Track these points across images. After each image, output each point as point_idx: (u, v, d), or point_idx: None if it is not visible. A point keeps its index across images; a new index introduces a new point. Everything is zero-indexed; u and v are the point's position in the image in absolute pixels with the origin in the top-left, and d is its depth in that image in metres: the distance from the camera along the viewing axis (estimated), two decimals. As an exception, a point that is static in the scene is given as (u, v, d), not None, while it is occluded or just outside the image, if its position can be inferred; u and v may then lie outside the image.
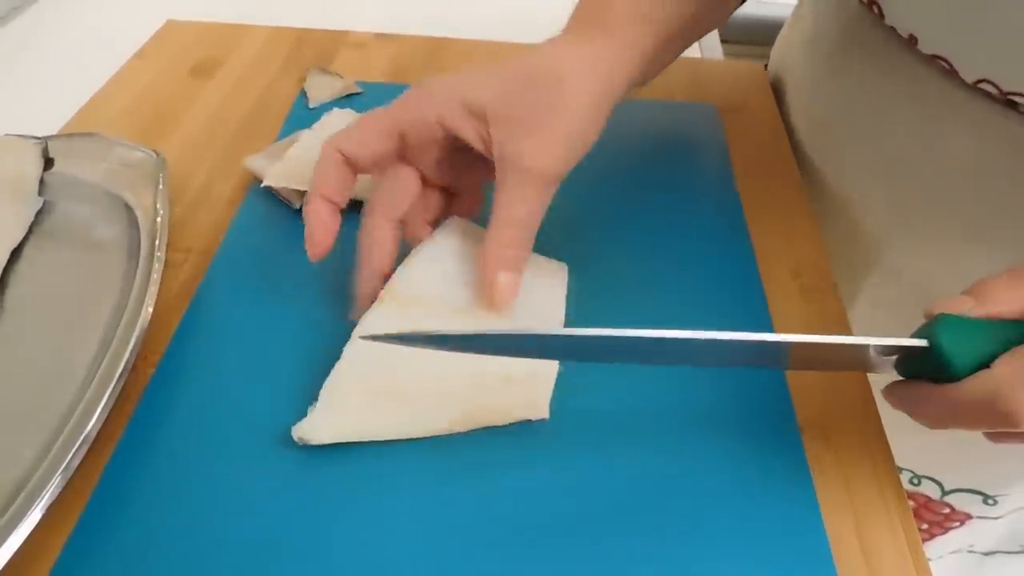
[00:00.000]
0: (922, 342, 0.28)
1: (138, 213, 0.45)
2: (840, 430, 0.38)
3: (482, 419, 0.36)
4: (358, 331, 0.37)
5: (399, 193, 0.39)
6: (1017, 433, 0.29)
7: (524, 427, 0.36)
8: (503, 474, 0.35)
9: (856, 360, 0.31)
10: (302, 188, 0.46)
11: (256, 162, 0.48)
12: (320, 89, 0.57)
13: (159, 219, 0.43)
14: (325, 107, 0.56)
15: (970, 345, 0.28)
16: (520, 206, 0.36)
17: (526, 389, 0.37)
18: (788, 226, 0.49)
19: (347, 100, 0.57)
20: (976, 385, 0.27)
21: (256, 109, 0.57)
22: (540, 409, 0.36)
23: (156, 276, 0.41)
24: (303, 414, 0.35)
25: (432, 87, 0.37)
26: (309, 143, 0.48)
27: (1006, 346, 0.28)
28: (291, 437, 0.34)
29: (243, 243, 0.46)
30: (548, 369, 0.37)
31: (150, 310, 0.39)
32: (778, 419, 0.38)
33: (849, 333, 0.42)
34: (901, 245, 0.48)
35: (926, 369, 0.29)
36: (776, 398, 0.39)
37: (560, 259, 0.43)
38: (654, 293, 0.44)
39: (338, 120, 0.50)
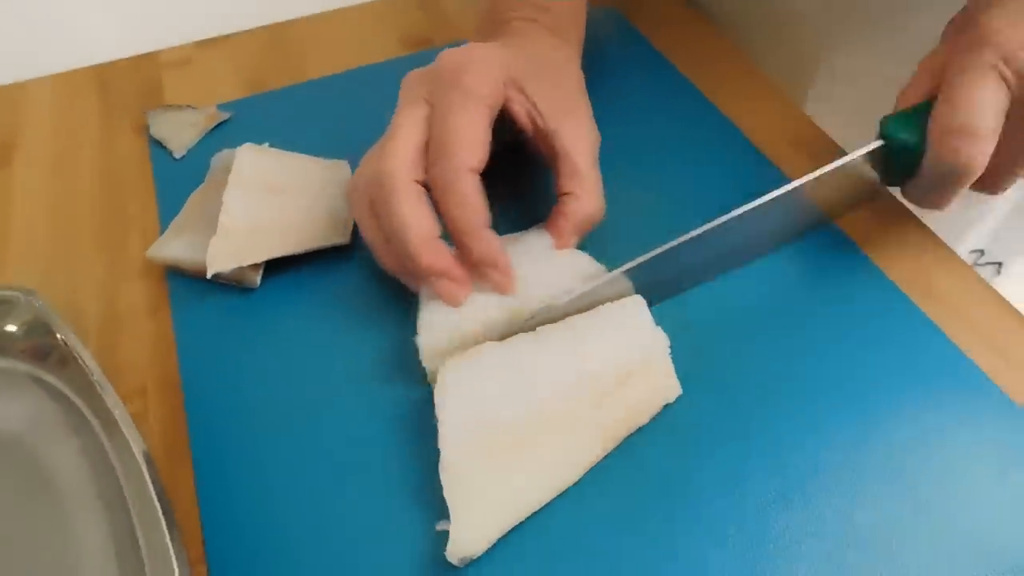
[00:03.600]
0: (878, 142, 0.35)
1: (49, 378, 0.32)
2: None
3: (627, 425, 0.31)
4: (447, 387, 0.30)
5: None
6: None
7: (661, 423, 0.32)
8: (667, 475, 0.30)
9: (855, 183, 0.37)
10: (261, 260, 0.35)
11: (170, 250, 0.36)
12: (177, 131, 0.44)
13: (93, 377, 0.31)
14: (201, 151, 0.44)
15: (910, 122, 0.34)
16: (599, 175, 0.36)
17: (649, 374, 0.32)
18: (759, 96, 0.47)
19: (218, 132, 0.45)
20: (932, 137, 0.33)
21: (102, 186, 0.43)
22: (673, 386, 0.32)
23: (138, 449, 0.29)
24: (423, 534, 0.28)
25: (485, 62, 0.34)
26: (242, 202, 0.36)
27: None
28: (438, 568, 0.27)
29: (210, 357, 0.35)
30: (660, 346, 0.33)
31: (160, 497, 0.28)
32: (946, 362, 0.34)
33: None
34: (843, 47, 0.49)
35: (901, 165, 0.35)
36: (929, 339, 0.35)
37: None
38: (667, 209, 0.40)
39: (257, 159, 0.39)
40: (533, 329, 0.33)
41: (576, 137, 0.36)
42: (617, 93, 0.47)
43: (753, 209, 0.33)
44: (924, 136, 0.33)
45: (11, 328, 0.33)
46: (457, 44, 0.51)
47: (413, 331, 0.33)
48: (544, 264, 0.35)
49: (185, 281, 0.37)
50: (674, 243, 0.33)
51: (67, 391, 0.31)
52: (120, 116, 0.47)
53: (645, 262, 0.33)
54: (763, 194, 0.34)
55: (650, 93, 0.47)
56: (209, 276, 0.34)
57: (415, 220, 0.32)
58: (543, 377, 0.31)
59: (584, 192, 0.35)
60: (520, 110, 0.36)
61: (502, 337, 0.33)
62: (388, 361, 0.35)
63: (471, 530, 0.27)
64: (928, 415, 0.32)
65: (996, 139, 0.32)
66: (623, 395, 0.31)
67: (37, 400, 0.31)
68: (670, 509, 0.29)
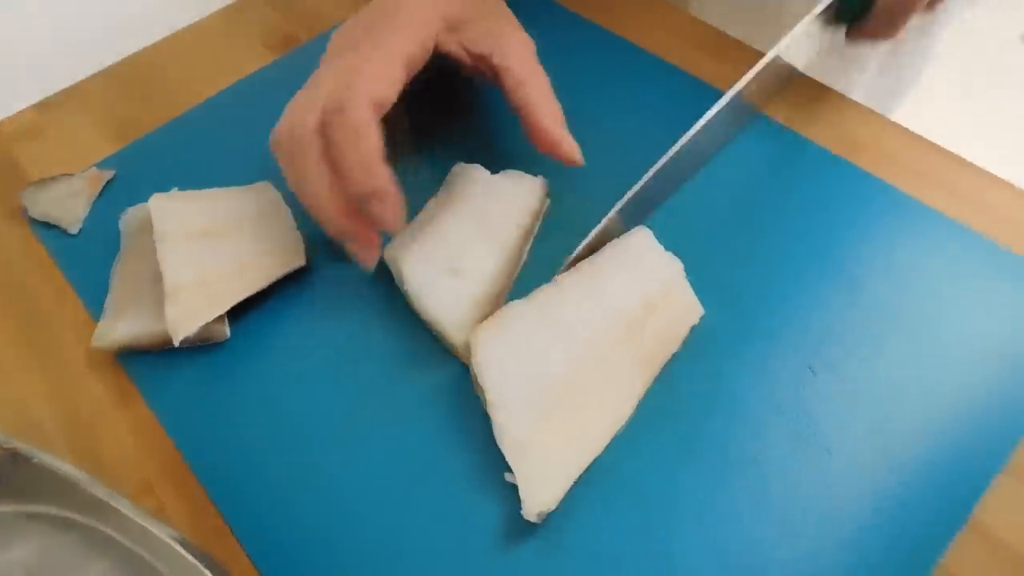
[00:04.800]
0: None
1: (41, 509, 0.28)
2: None
3: (662, 354, 0.32)
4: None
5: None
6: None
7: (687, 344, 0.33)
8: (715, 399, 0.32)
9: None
10: (224, 310, 0.32)
11: (120, 332, 0.33)
12: (63, 205, 0.39)
13: (92, 490, 0.28)
14: (97, 220, 0.39)
15: None
16: (543, 74, 0.35)
17: (672, 300, 0.33)
18: (647, 10, 0.47)
19: (108, 194, 0.40)
20: None
21: (4, 289, 0.38)
22: (696, 307, 0.33)
23: (172, 539, 0.27)
24: (497, 500, 0.29)
25: (408, 12, 0.34)
26: (181, 256, 0.33)
27: None
28: (516, 528, 0.28)
29: (208, 425, 0.32)
30: (676, 271, 0.33)
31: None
32: (899, 207, 0.37)
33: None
34: None
35: (852, 9, 0.38)
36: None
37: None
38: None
39: (175, 208, 0.35)
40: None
41: (512, 56, 0.35)
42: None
43: (713, 117, 0.34)
44: None
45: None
46: (326, 34, 0.49)
47: (410, 319, 0.33)
48: (494, 195, 0.36)
49: (143, 359, 0.34)
50: (656, 167, 0.34)
51: (68, 514, 0.28)
52: (-20, 208, 0.41)
53: (636, 194, 0.34)
54: (703, 103, 0.35)
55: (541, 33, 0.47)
56: (177, 344, 0.31)
57: (372, 141, 0.31)
58: (575, 325, 0.31)
59: (536, 96, 0.34)
60: (456, 48, 0.35)
61: (508, 281, 0.33)
62: (393, 358, 0.34)
63: (541, 487, 0.28)
64: (901, 258, 0.35)
65: None
66: (652, 325, 0.31)
67: (38, 536, 0.28)
68: (720, 420, 0.31)
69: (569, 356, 0.30)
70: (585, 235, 0.33)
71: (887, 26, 0.37)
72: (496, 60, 0.35)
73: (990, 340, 0.32)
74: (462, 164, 0.38)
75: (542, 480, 0.28)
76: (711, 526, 0.28)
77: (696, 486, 0.29)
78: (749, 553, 0.28)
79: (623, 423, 0.30)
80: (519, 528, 0.28)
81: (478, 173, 0.37)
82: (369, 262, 0.33)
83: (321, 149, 0.31)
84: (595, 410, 0.30)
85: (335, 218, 0.32)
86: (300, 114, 0.32)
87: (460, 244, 0.34)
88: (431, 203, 0.37)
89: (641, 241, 0.34)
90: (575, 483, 0.28)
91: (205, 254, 0.34)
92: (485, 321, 0.31)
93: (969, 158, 0.39)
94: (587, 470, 0.29)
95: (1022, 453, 0.29)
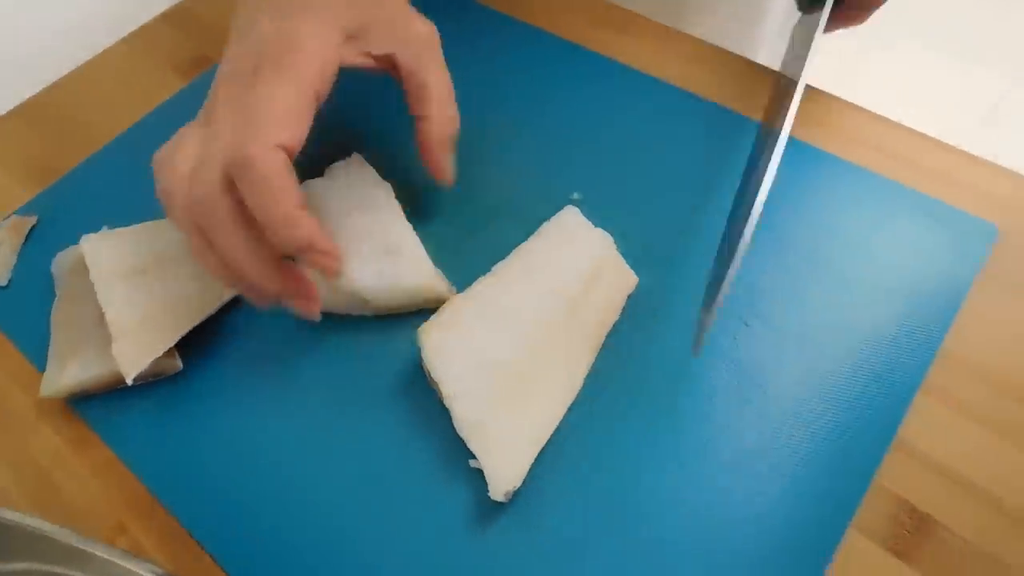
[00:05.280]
0: None
1: (15, 565, 0.28)
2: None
3: (604, 326, 0.34)
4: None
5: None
6: None
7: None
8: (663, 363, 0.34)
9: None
10: (173, 343, 0.33)
11: (69, 378, 0.32)
12: (-13, 258, 0.38)
13: (71, 541, 0.28)
14: (26, 268, 0.38)
15: None
16: (445, 74, 0.34)
17: (607, 272, 0.34)
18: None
19: (34, 240, 0.40)
20: None
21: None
22: (631, 277, 0.35)
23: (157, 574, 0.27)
24: (463, 486, 0.30)
25: (304, 34, 0.30)
26: (122, 294, 0.33)
27: None
28: (487, 511, 0.29)
29: (176, 459, 0.32)
30: (608, 245, 0.35)
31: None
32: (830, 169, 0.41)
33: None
34: None
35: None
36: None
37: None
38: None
39: (108, 247, 0.35)
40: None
41: (414, 53, 0.34)
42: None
43: None
44: None
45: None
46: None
47: (358, 325, 0.35)
48: (347, 191, 0.37)
49: (96, 402, 0.34)
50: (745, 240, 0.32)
51: (46, 567, 0.28)
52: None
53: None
54: (607, 78, 0.36)
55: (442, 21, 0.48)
56: (130, 382, 0.31)
57: (284, 187, 0.28)
58: (518, 309, 0.32)
59: (433, 110, 0.34)
60: (360, 58, 0.33)
61: None
62: (345, 366, 0.34)
63: (504, 468, 0.29)
64: (815, 208, 0.37)
65: None
66: (591, 300, 0.33)
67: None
68: (665, 379, 0.33)
69: (516, 340, 0.32)
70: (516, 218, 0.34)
71: (860, 10, 0.37)
72: (400, 59, 0.33)
73: (898, 274, 0.35)
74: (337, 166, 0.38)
75: (505, 461, 0.29)
76: (669, 478, 0.30)
77: (650, 444, 0.31)
78: (706, 496, 0.30)
79: (575, 395, 0.32)
80: (489, 510, 0.30)
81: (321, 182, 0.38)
82: (315, 315, 0.32)
83: (233, 209, 0.29)
84: (547, 388, 0.31)
85: (264, 283, 0.30)
86: (198, 171, 0.29)
87: (376, 229, 0.35)
88: (324, 208, 0.36)
89: (570, 220, 0.35)
90: (536, 459, 0.30)
91: (145, 290, 0.34)
92: (431, 319, 0.32)
93: (868, 106, 0.41)
94: (546, 445, 0.30)
95: (935, 375, 0.32)
